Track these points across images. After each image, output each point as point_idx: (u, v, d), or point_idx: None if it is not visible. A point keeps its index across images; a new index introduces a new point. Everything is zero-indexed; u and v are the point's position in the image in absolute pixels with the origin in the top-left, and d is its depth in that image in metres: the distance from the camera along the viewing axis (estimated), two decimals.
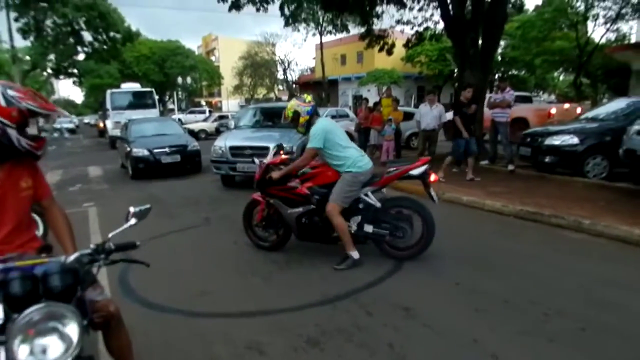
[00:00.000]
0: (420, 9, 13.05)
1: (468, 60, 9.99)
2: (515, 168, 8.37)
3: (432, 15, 13.28)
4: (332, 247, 4.55)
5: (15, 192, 1.91)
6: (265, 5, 12.04)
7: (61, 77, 33.94)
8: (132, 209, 1.88)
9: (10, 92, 1.76)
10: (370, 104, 11.69)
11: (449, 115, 9.53)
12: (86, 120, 45.55)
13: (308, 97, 4.36)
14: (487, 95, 10.64)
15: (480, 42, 9.86)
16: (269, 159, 4.63)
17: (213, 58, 56.80)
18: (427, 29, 13.67)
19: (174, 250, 4.80)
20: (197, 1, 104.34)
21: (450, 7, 10.13)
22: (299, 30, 33.46)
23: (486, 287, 3.61)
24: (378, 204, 4.18)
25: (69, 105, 69.10)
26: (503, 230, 5.32)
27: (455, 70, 35.73)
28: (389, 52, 14.06)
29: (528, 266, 4.08)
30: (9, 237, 1.90)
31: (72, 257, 1.61)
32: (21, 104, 1.77)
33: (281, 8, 12.49)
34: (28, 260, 1.59)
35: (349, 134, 15.11)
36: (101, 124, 25.73)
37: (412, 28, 13.65)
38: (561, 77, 33.74)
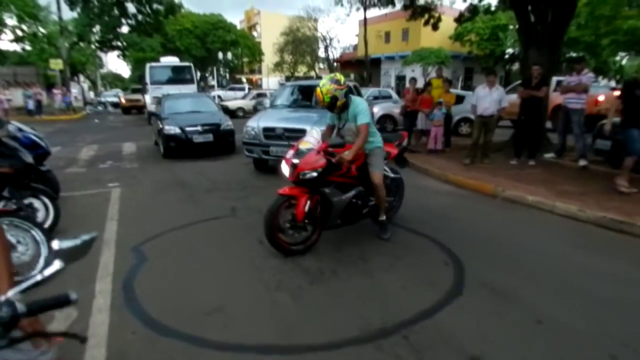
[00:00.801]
0: None
1: (535, 36, 8.75)
2: (588, 164, 7.23)
3: None
4: (367, 254, 3.83)
5: None
6: None
7: (105, 49, 34.30)
8: (56, 244, 1.19)
9: None
10: (418, 85, 10.65)
11: (513, 97, 8.43)
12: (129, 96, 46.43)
13: (342, 78, 3.97)
14: (555, 79, 9.38)
15: (549, 17, 8.57)
16: (313, 143, 3.98)
17: (255, 33, 56.09)
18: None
19: (192, 247, 4.20)
20: None
21: None
22: (342, 5, 32.09)
23: (580, 328, 2.76)
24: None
25: (116, 79, 70.83)
26: (584, 243, 4.36)
27: (507, 51, 33.61)
28: (435, 27, 12.89)
29: (631, 294, 3.18)
30: None
31: None
32: None
33: None
34: None
35: (391, 117, 14.29)
36: (123, 100, 26.86)
37: (465, 0, 12.37)
38: (624, 62, 30.77)
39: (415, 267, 3.71)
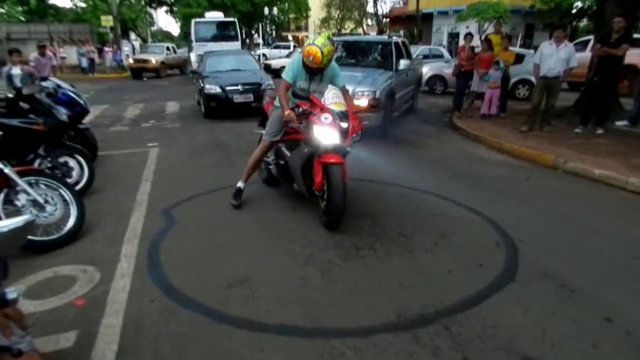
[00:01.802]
0: None
1: None
2: None
3: None
4: (409, 229, 3.51)
5: None
6: None
7: (154, 5, 34.44)
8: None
9: None
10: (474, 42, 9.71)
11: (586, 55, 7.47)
12: (180, 52, 46.68)
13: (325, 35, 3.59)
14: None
15: None
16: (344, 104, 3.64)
17: None
18: None
19: (222, 212, 4.03)
20: None
21: None
22: None
23: None
24: None
25: (166, 37, 71.64)
26: None
27: (575, 5, 30.47)
28: None
29: None
30: None
31: None
32: None
33: None
34: None
35: (442, 77, 13.37)
36: (130, 60, 22.53)
37: None
38: None
39: (462, 247, 3.34)
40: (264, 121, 4.25)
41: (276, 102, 3.86)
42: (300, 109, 3.63)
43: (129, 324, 2.39)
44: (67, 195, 3.41)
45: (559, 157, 5.61)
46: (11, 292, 0.91)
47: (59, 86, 5.42)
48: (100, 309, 2.51)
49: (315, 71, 3.64)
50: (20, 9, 34.54)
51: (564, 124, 7.62)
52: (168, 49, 24.54)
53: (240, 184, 4.11)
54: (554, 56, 6.85)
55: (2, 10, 33.89)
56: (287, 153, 3.90)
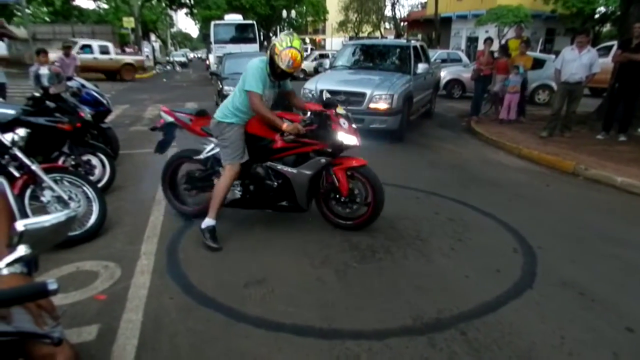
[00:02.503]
0: None
1: None
2: None
3: None
4: (426, 233, 3.50)
5: None
6: None
7: (174, 7, 34.99)
8: (20, 225, 0.97)
9: None
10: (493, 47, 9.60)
11: (609, 60, 7.34)
12: (199, 54, 47.28)
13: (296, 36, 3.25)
14: None
15: None
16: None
17: None
18: None
19: (239, 213, 4.03)
20: None
21: None
22: None
23: None
24: None
25: (185, 39, 72.59)
26: None
27: (599, 10, 29.90)
28: None
29: None
30: None
31: None
32: None
33: None
34: None
35: (460, 82, 13.27)
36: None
37: None
38: None
39: (479, 252, 3.32)
40: (164, 145, 4.03)
41: (222, 119, 3.30)
42: (308, 117, 3.37)
43: (148, 320, 2.44)
44: (90, 192, 3.49)
45: (579, 163, 5.52)
46: (52, 283, 0.95)
47: (83, 86, 5.56)
48: (121, 304, 2.57)
49: (284, 77, 3.31)
50: (45, 9, 35.42)
51: (585, 130, 7.50)
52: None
53: (211, 222, 3.34)
54: (576, 61, 6.76)
55: (28, 11, 34.89)
56: (290, 170, 3.42)
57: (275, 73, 3.19)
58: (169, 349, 2.23)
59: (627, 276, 3.01)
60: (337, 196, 3.56)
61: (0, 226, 1.22)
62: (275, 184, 3.47)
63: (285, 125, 3.19)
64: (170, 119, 3.77)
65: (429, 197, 4.53)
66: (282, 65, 3.08)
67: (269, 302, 2.64)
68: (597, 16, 30.61)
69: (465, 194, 4.60)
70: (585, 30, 7.58)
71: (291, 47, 3.06)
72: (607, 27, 33.18)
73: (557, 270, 3.05)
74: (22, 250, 0.97)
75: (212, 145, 3.61)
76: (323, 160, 3.40)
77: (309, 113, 3.41)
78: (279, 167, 3.45)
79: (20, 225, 0.95)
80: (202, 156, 3.67)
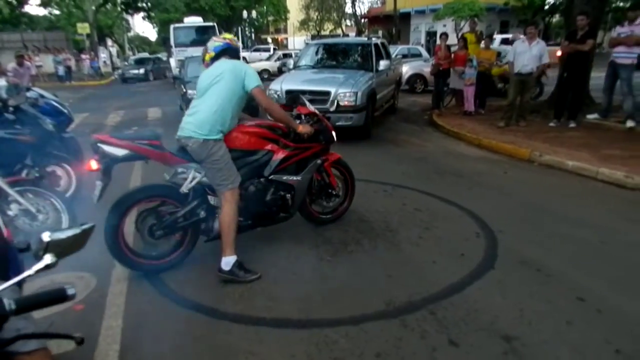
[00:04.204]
0: None
1: None
2: (637, 125, 6.66)
3: None
4: (395, 224, 3.67)
5: None
6: None
7: (131, 11, 34.09)
8: (47, 235, 1.05)
9: None
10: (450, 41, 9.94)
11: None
12: (159, 56, 46.22)
13: (227, 35, 3.28)
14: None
15: None
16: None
17: None
18: None
19: None
20: None
21: None
22: None
23: (627, 309, 2.53)
24: None
25: (143, 42, 70.69)
26: (632, 213, 4.03)
27: (548, 1, 31.29)
28: None
29: None
30: None
31: None
32: None
33: None
34: None
35: (422, 76, 13.65)
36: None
37: None
38: None
39: (445, 239, 3.51)
40: (106, 174, 2.88)
41: (208, 136, 2.80)
42: (304, 118, 3.38)
43: (129, 325, 2.48)
44: (58, 203, 3.46)
45: (534, 150, 5.86)
46: (70, 289, 1.02)
47: (42, 96, 5.41)
48: (99, 312, 2.59)
49: None
50: None
51: (539, 119, 7.92)
52: None
53: (233, 258, 2.90)
54: (527, 53, 7.14)
55: None
56: (295, 178, 3.26)
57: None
58: (151, 350, 2.28)
59: (579, 252, 3.27)
60: (329, 191, 3.69)
61: None
62: (279, 197, 3.24)
63: (301, 127, 3.12)
64: (122, 151, 2.77)
65: (396, 190, 4.72)
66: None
67: (247, 299, 2.72)
68: (547, 7, 32.02)
69: (430, 185, 4.81)
70: (534, 23, 8.00)
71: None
72: (556, 18, 34.78)
73: (516, 251, 3.27)
74: (48, 259, 1.04)
75: (192, 173, 2.91)
76: (319, 161, 3.44)
77: (303, 117, 3.40)
78: (284, 178, 3.22)
79: (46, 236, 1.03)
80: (185, 189, 2.90)
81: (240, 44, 3.01)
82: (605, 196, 4.50)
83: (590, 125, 7.20)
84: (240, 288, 2.84)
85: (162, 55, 26.71)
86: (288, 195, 3.27)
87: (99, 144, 2.76)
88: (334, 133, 3.49)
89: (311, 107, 3.49)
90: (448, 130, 7.72)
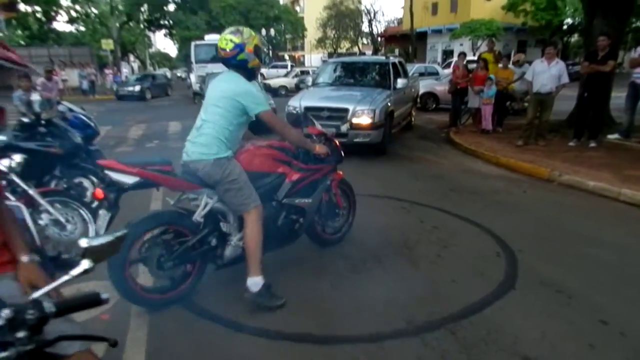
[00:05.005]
0: None
1: (601, 3, 7.98)
2: None
3: None
4: (412, 242, 3.67)
5: None
6: None
7: (153, 28, 35.11)
8: (84, 242, 1.12)
9: None
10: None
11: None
12: (178, 73, 47.35)
13: (245, 32, 2.73)
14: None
15: None
16: None
17: (297, 8, 55.39)
18: None
19: None
20: None
21: None
22: None
23: None
24: None
25: (164, 58, 72.53)
26: None
27: (566, 21, 31.23)
28: None
29: None
30: None
31: None
32: None
33: None
34: None
35: (434, 95, 13.67)
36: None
37: None
38: None
39: (464, 258, 3.50)
40: (114, 203, 2.77)
41: (218, 154, 2.63)
42: (315, 137, 3.31)
43: (153, 334, 2.53)
44: (86, 214, 3.57)
45: (554, 170, 5.82)
46: (104, 294, 1.09)
47: (70, 109, 5.61)
48: (125, 321, 2.65)
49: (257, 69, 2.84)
50: (20, 33, 35.09)
51: (558, 138, 7.86)
52: None
53: (260, 280, 2.77)
54: (546, 73, 7.13)
55: (1, 35, 34.52)
56: (306, 200, 3.18)
57: (251, 71, 2.74)
58: (176, 358, 2.32)
59: (600, 273, 3.23)
60: (336, 211, 3.65)
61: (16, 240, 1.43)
62: (290, 220, 3.15)
63: (318, 147, 3.05)
64: (131, 178, 2.56)
65: (413, 207, 4.73)
66: (258, 41, 2.71)
67: (268, 313, 2.75)
68: (565, 27, 31.97)
69: (448, 202, 4.81)
70: (553, 43, 8.01)
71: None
72: (575, 38, 34.64)
73: (536, 271, 3.25)
74: (86, 264, 1.11)
75: (205, 199, 2.76)
76: (328, 182, 3.40)
77: (313, 136, 3.33)
78: (297, 201, 3.13)
79: (84, 242, 1.10)
80: (198, 217, 2.76)
81: (259, 40, 2.69)
82: (628, 217, 4.44)
83: (611, 146, 7.12)
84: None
85: (181, 71, 27.39)
86: (301, 219, 3.18)
87: (106, 171, 2.53)
88: (342, 153, 3.52)
89: (320, 127, 3.46)
90: (465, 148, 7.71)
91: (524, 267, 3.31)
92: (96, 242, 1.12)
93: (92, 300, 1.09)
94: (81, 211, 3.55)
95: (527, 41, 32.79)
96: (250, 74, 2.74)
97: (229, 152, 2.68)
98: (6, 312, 0.95)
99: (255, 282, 2.74)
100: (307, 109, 7.12)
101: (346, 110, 6.92)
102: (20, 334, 0.95)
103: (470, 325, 2.60)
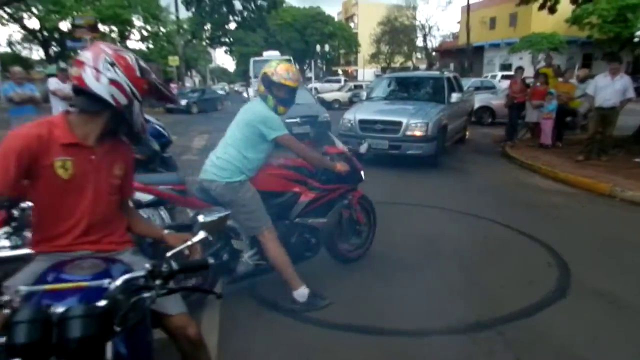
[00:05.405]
0: None
1: None
2: None
3: None
4: (464, 250, 3.77)
5: (108, 177, 1.59)
6: None
7: (215, 46, 37.17)
8: (201, 218, 1.45)
9: (143, 64, 1.55)
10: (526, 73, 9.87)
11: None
12: (235, 88, 49.68)
13: (272, 64, 2.85)
14: None
15: None
16: None
17: (352, 24, 56.36)
18: None
19: None
20: None
21: None
22: None
23: None
24: None
25: (223, 73, 76.17)
26: None
27: (638, 34, 29.35)
28: (552, 10, 11.48)
29: None
30: (100, 229, 1.60)
31: (118, 282, 1.20)
32: (151, 76, 1.57)
33: None
34: (62, 284, 1.25)
35: (490, 109, 13.45)
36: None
37: None
38: None
39: (514, 266, 3.58)
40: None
41: (231, 178, 2.73)
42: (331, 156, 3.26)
43: (225, 320, 2.83)
44: (165, 214, 4.01)
45: (616, 185, 5.66)
46: (210, 259, 1.41)
47: (147, 120, 6.24)
48: (200, 309, 2.97)
49: (291, 99, 2.87)
50: None
51: (623, 154, 7.57)
52: None
53: (304, 290, 2.91)
54: (609, 88, 6.95)
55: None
56: (320, 220, 3.22)
57: (280, 98, 2.78)
58: (244, 342, 2.62)
59: None
60: (357, 227, 3.62)
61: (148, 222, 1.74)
62: (303, 239, 3.18)
63: (338, 166, 3.06)
64: (145, 196, 2.86)
65: (464, 217, 4.82)
66: (282, 79, 2.71)
67: (327, 308, 2.98)
68: (636, 40, 30.10)
69: (500, 214, 4.84)
70: (618, 58, 7.74)
71: (281, 62, 2.83)
72: None
73: (589, 282, 3.26)
74: (202, 234, 1.48)
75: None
76: (346, 201, 3.40)
77: (333, 156, 3.30)
78: (310, 220, 3.16)
79: (201, 218, 1.48)
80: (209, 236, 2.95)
81: (290, 73, 2.77)
82: None
83: None
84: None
85: (238, 85, 28.71)
86: (313, 239, 3.19)
87: None
88: (362, 173, 3.46)
89: (340, 146, 3.38)
90: (522, 162, 7.62)
91: (576, 278, 3.33)
92: (209, 218, 1.46)
93: (201, 264, 1.40)
94: (160, 212, 3.99)
95: (592, 54, 31.21)
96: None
97: (243, 177, 2.76)
98: (147, 266, 1.28)
99: (301, 294, 2.87)
100: (362, 121, 7.40)
101: (400, 124, 7.10)
102: (157, 282, 1.26)
103: (519, 328, 2.70)
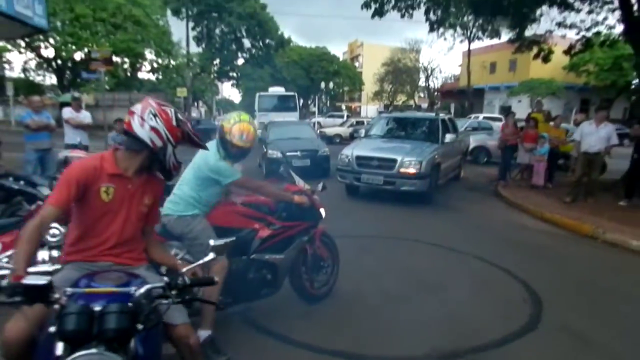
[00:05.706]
0: (590, 12, 10.96)
1: None
2: None
3: (605, 18, 11.06)
4: (447, 283, 3.98)
5: (139, 205, 1.96)
6: (411, 11, 11.45)
7: (222, 79, 38.26)
8: (212, 242, 1.75)
9: (180, 116, 1.93)
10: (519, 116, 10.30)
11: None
12: None
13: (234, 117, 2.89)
14: None
15: None
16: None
17: (357, 64, 58.08)
18: (597, 34, 11.46)
19: None
20: (348, 7, 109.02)
21: (635, 7, 8.35)
22: (445, 39, 32.15)
23: None
24: None
25: (228, 105, 77.78)
26: None
27: (634, 82, 30.18)
28: (545, 60, 12.09)
29: None
30: (123, 246, 1.95)
31: (141, 290, 1.52)
32: (186, 127, 1.93)
33: (426, 13, 11.74)
34: (101, 288, 1.56)
35: (485, 149, 13.84)
36: None
37: (578, 33, 11.53)
38: None
39: (492, 301, 3.78)
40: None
41: (183, 212, 2.80)
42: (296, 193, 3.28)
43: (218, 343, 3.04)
44: None
45: (598, 227, 5.89)
46: (215, 277, 1.68)
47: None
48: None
49: (241, 155, 2.90)
50: (107, 79, 39.45)
51: (609, 197, 7.83)
52: None
53: (207, 333, 2.75)
54: (594, 135, 7.32)
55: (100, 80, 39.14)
56: (278, 257, 3.19)
57: (231, 154, 2.85)
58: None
59: (625, 326, 3.39)
60: (321, 263, 3.64)
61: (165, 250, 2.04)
62: (261, 275, 3.16)
63: (297, 198, 3.15)
64: None
65: (451, 253, 5.04)
66: (235, 140, 2.77)
67: (311, 331, 3.19)
68: (633, 87, 30.90)
69: (487, 251, 5.06)
70: (605, 107, 8.16)
71: (240, 121, 2.82)
72: None
73: (560, 319, 3.46)
74: (211, 255, 1.75)
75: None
76: (306, 237, 3.40)
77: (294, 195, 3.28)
78: (267, 257, 3.15)
79: (212, 242, 1.78)
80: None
81: (244, 136, 2.81)
82: None
83: None
84: (307, 322, 3.33)
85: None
86: (269, 275, 3.18)
87: None
88: (322, 210, 3.47)
89: (300, 183, 3.42)
90: (512, 202, 7.88)
91: (548, 314, 3.52)
92: (218, 242, 1.77)
93: (210, 281, 1.67)
94: None
95: (590, 99, 32.04)
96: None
97: (196, 211, 2.83)
98: (166, 279, 1.59)
99: (202, 335, 2.67)
100: (359, 157, 7.75)
101: (394, 161, 7.42)
102: (174, 292, 1.56)
103: (490, 357, 2.90)
